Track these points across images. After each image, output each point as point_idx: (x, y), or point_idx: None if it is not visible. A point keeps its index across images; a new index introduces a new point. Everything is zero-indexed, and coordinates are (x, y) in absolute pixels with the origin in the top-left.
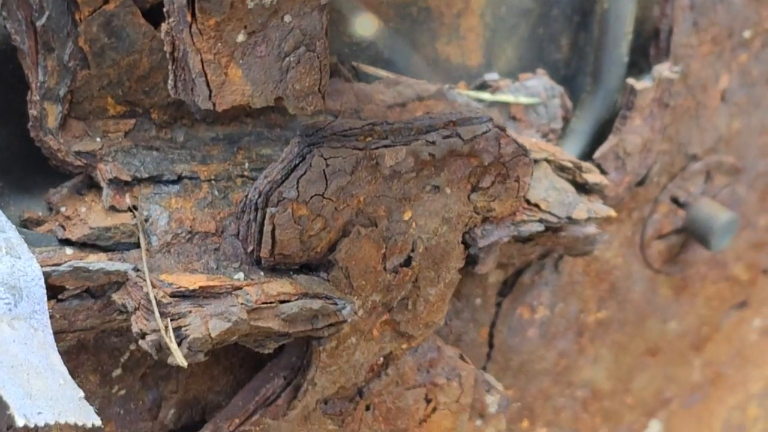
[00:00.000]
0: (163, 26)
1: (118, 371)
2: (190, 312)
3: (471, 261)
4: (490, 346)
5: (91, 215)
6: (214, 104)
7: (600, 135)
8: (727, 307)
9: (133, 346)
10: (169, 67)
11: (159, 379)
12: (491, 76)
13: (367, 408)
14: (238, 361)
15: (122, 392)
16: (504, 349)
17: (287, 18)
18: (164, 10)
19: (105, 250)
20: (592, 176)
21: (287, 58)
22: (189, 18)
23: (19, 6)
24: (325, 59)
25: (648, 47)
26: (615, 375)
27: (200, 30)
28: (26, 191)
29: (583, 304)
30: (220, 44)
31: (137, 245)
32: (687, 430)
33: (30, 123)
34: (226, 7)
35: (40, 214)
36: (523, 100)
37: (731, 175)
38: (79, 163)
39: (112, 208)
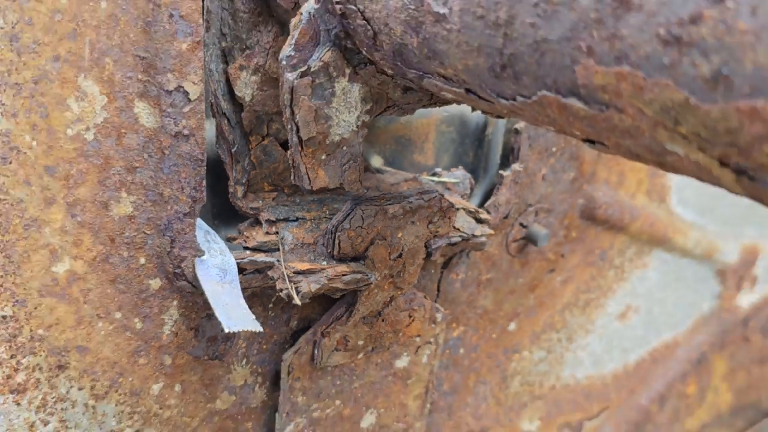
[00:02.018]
0: (289, 152)
1: (270, 305)
2: (302, 280)
3: (428, 255)
4: (438, 291)
5: (257, 236)
6: (311, 188)
7: (487, 197)
8: (545, 271)
9: (277, 294)
10: (291, 169)
11: (290, 308)
12: (438, 170)
13: (383, 320)
14: (326, 299)
15: (273, 314)
16: (444, 293)
17: (344, 148)
18: (289, 143)
19: (264, 251)
20: (483, 215)
21: (344, 166)
22: (300, 148)
23: (223, 143)
24: (361, 165)
25: (509, 155)
26: (497, 300)
27: (303, 153)
28: (228, 225)
29: (479, 272)
30: (314, 160)
31: (278, 249)
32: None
33: (230, 194)
34: (317, 144)
35: (235, 235)
36: (453, 180)
37: (546, 213)
38: (252, 212)
39: (267, 233)
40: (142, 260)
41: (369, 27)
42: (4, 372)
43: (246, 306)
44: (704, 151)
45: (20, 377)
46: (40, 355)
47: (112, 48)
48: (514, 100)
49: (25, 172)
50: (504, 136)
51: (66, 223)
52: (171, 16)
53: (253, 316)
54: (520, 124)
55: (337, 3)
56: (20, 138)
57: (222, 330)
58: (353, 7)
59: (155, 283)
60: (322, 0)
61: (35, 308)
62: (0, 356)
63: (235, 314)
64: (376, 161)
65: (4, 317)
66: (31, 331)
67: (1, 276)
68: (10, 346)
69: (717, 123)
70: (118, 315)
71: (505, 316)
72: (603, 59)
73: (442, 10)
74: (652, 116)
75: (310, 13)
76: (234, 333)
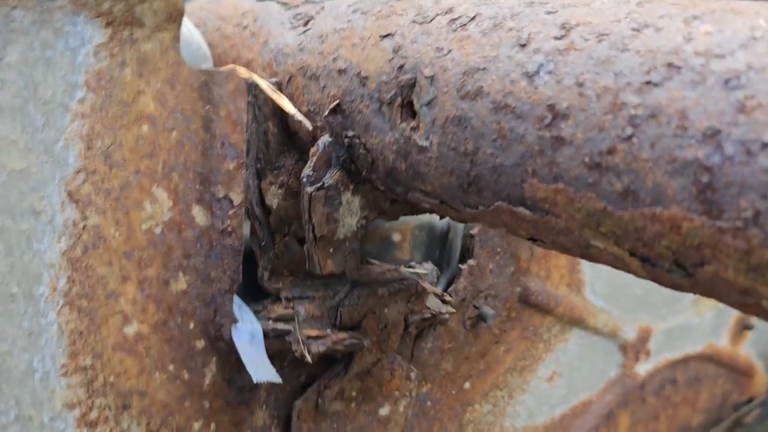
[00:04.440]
0: (305, 246)
1: (285, 363)
2: (312, 343)
3: (406, 327)
4: (412, 355)
5: (278, 309)
6: (322, 273)
7: (449, 284)
8: (492, 343)
9: (292, 353)
10: (307, 258)
11: (301, 365)
12: (412, 263)
13: (371, 376)
14: (328, 359)
15: (287, 370)
16: (416, 357)
17: (347, 244)
18: (305, 240)
19: (283, 321)
20: (447, 298)
21: (346, 257)
22: (314, 243)
23: (255, 239)
24: (358, 257)
25: (465, 254)
26: (456, 364)
27: (317, 247)
28: (255, 300)
29: (443, 341)
30: (324, 253)
31: (294, 320)
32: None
33: (258, 277)
34: (327, 241)
35: (261, 308)
36: (423, 271)
37: (493, 298)
38: (274, 291)
39: (285, 308)
40: (192, 325)
41: (369, 155)
42: (82, 410)
43: (269, 362)
44: (618, 245)
45: (94, 414)
46: (110, 397)
47: (178, 165)
48: (477, 208)
49: (109, 255)
50: (462, 239)
51: (136, 296)
52: (223, 144)
53: (275, 370)
54: (474, 230)
55: (346, 138)
56: (107, 230)
57: (250, 381)
58: (357, 140)
59: (200, 344)
60: (334, 135)
61: (109, 360)
62: (80, 397)
63: (261, 368)
64: (396, 236)
65: (85, 367)
66: (104, 378)
67: (85, 334)
68: (88, 389)
69: (627, 224)
70: (171, 367)
71: (461, 377)
72: (544, 179)
73: (425, 144)
74: (580, 220)
75: (324, 144)
76: (258, 384)
